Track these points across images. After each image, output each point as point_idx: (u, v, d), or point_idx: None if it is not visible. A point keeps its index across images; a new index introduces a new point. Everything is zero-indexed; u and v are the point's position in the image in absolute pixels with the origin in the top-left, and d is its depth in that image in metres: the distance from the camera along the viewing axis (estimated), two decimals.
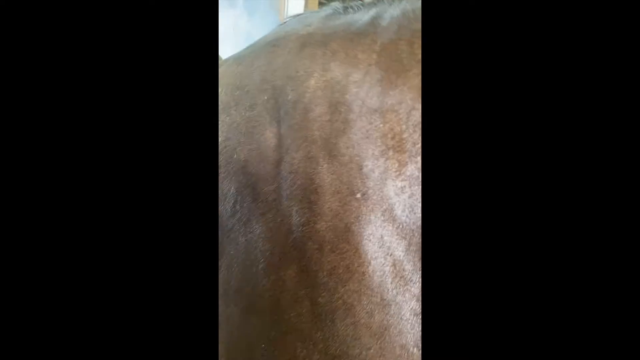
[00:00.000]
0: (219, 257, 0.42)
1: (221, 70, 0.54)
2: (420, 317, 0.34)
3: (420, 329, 0.34)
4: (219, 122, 0.47)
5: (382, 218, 0.35)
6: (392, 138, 0.36)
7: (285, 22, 0.58)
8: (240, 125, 0.45)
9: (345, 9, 0.50)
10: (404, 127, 0.36)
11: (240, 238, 0.41)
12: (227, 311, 0.40)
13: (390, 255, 0.35)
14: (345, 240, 0.36)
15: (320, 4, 2.30)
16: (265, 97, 0.45)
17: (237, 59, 0.53)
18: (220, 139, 0.46)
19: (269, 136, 0.43)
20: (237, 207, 0.42)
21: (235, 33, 2.17)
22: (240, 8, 2.09)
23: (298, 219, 0.38)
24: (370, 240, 0.36)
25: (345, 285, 0.35)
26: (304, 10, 2.11)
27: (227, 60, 0.59)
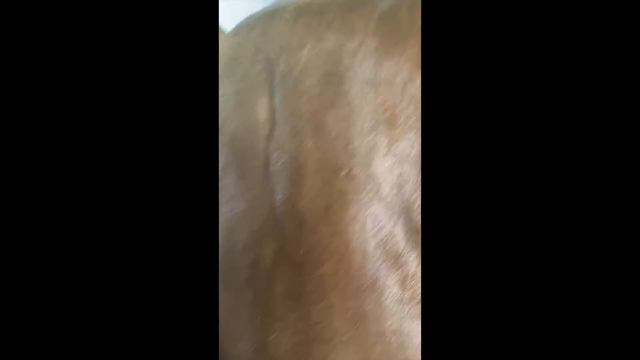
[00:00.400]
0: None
1: (219, 41, 0.52)
2: (401, 304, 0.32)
3: (400, 316, 0.32)
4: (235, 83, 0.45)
5: (367, 198, 0.33)
6: (384, 112, 0.34)
7: None
8: (230, 98, 0.43)
9: None
10: (397, 100, 0.33)
11: (225, 215, 0.40)
12: None
13: (373, 237, 0.33)
14: (325, 220, 0.34)
15: None
16: (259, 68, 0.43)
17: (234, 29, 0.51)
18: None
19: (260, 109, 0.41)
20: (223, 183, 0.41)
21: None
22: None
23: (280, 197, 0.36)
24: (352, 221, 0.33)
25: (321, 267, 0.33)
26: None
27: (227, 32, 0.57)
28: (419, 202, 0.32)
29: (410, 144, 0.32)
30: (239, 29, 0.50)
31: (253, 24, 0.48)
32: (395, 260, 0.32)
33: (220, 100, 0.44)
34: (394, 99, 0.33)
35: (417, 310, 0.32)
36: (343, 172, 0.34)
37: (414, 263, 0.33)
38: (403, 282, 0.32)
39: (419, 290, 0.32)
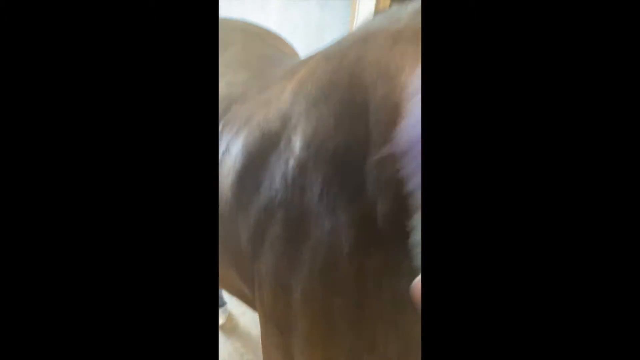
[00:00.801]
0: (305, 240, 0.46)
1: (310, 65, 0.57)
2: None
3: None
4: (309, 116, 0.50)
5: None
6: None
7: (373, 19, 0.59)
8: (329, 119, 0.48)
9: None
10: None
11: (326, 223, 0.44)
12: (310, 288, 0.44)
13: None
14: None
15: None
16: (355, 92, 0.47)
17: (326, 55, 0.55)
18: (309, 131, 0.49)
19: (358, 129, 0.45)
20: (324, 194, 0.45)
21: (306, 25, 2.22)
22: (312, 0, 2.13)
23: (384, 210, 0.40)
24: None
25: None
26: (375, 3, 2.08)
27: (314, 56, 0.62)
28: None
29: None
30: (330, 55, 0.54)
31: (346, 51, 0.52)
32: None
33: (319, 121, 0.49)
34: None
35: None
36: None
37: None
38: None
39: None
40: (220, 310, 1.45)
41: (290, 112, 0.53)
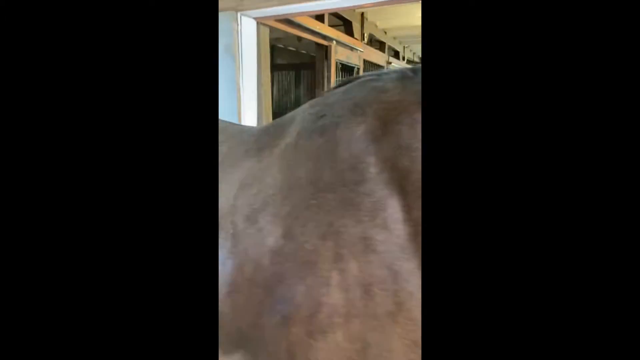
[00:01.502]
0: None
1: (301, 146, 0.51)
2: None
3: None
4: (323, 201, 0.44)
5: None
6: None
7: (345, 87, 0.56)
8: (352, 201, 0.43)
9: (415, 71, 0.51)
10: None
11: None
12: None
13: None
14: None
15: (271, 44, 2.31)
16: (376, 170, 0.43)
17: (315, 131, 0.51)
18: (330, 219, 0.43)
19: (393, 210, 0.41)
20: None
21: None
22: None
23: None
24: None
25: None
26: (257, 47, 2.10)
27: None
28: None
29: None
30: (323, 129, 0.50)
31: (338, 122, 0.47)
32: None
33: (339, 205, 0.44)
34: None
35: None
36: None
37: None
38: None
39: None
40: None
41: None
